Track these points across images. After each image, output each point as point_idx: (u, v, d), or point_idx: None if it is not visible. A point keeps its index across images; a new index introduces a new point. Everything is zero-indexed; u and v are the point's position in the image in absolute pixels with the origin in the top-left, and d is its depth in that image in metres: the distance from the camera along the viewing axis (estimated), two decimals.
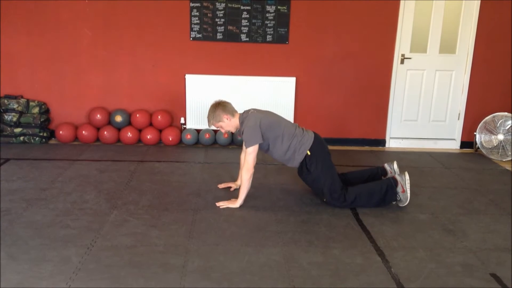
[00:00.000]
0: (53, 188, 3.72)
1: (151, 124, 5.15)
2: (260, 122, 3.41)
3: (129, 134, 5.05)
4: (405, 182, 3.49)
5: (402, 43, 5.16)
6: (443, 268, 2.71)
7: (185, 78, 5.11)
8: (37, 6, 4.85)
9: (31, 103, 4.97)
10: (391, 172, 3.72)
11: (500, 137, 5.06)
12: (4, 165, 4.23)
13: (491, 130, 5.12)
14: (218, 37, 5.02)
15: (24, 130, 4.92)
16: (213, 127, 4.20)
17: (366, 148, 5.39)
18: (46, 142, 5.05)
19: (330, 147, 5.27)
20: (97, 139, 5.16)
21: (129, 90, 5.16)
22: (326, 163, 3.51)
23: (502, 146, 5.05)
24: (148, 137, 5.07)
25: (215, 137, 5.15)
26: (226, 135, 5.05)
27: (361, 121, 5.37)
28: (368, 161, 4.78)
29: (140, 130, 5.12)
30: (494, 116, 5.12)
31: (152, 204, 3.47)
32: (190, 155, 4.81)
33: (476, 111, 5.36)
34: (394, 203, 3.60)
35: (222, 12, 4.96)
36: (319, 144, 3.54)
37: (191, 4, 4.93)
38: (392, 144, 5.47)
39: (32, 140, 4.97)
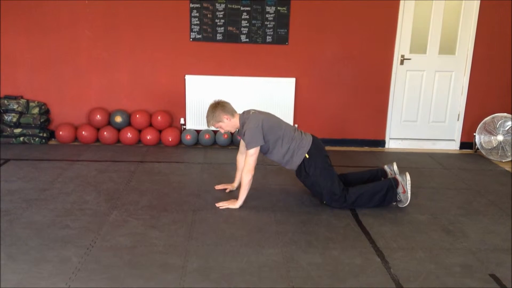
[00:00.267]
0: (53, 188, 3.72)
1: (151, 125, 5.16)
2: (262, 123, 3.40)
3: (129, 135, 5.06)
4: (406, 183, 3.49)
5: (402, 44, 5.17)
6: (443, 268, 2.71)
7: (185, 79, 5.11)
8: (37, 6, 4.86)
9: (31, 104, 4.97)
10: (391, 174, 3.73)
11: (500, 137, 5.07)
12: (4, 166, 4.23)
13: (491, 131, 5.12)
14: (218, 37, 5.03)
15: (24, 131, 4.93)
16: (213, 128, 4.20)
17: (366, 148, 5.39)
18: (46, 143, 5.05)
19: (330, 148, 5.32)
20: (97, 140, 5.16)
21: (129, 91, 5.16)
22: (325, 166, 3.50)
23: (502, 147, 5.05)
24: (148, 137, 5.07)
25: (215, 137, 5.15)
26: (226, 136, 5.05)
27: (360, 122, 5.38)
28: (367, 162, 4.78)
29: (140, 131, 5.13)
30: (493, 117, 5.13)
31: (151, 204, 3.47)
32: (190, 155, 4.81)
33: (475, 112, 5.36)
34: (394, 203, 3.60)
35: (222, 13, 4.96)
36: (317, 147, 3.54)
37: (191, 5, 4.93)
38: (391, 144, 5.47)
39: (32, 141, 4.97)
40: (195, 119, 5.17)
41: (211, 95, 4.97)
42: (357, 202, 3.49)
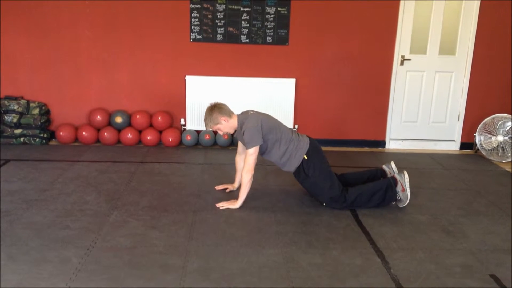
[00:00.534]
0: (53, 189, 3.72)
1: (151, 125, 5.16)
2: (261, 123, 3.40)
3: (129, 135, 5.06)
4: (404, 181, 3.49)
5: (402, 44, 5.17)
6: (443, 269, 2.71)
7: (185, 79, 5.11)
8: (37, 7, 4.86)
9: (31, 104, 4.97)
10: (390, 173, 3.73)
11: (500, 138, 5.06)
12: (4, 166, 4.24)
13: (491, 131, 5.12)
14: (218, 38, 5.03)
15: (25, 131, 4.93)
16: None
17: (366, 149, 5.39)
18: (46, 143, 5.06)
19: (330, 148, 5.32)
20: (97, 140, 5.16)
21: (129, 91, 5.17)
22: (323, 167, 3.51)
23: (502, 147, 5.05)
24: (148, 138, 5.07)
25: (215, 138, 5.15)
26: (226, 137, 5.05)
27: (361, 122, 5.38)
28: (368, 162, 4.78)
29: (140, 131, 5.13)
30: (493, 118, 5.13)
31: (152, 205, 3.47)
32: (190, 156, 4.82)
33: (475, 113, 5.36)
34: (394, 203, 3.61)
35: (222, 13, 4.97)
36: (315, 148, 3.54)
37: (191, 6, 4.94)
38: (392, 145, 5.47)
39: (32, 141, 4.97)
40: (195, 119, 5.17)
41: (211, 95, 4.97)
42: (356, 202, 3.49)
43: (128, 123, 5.13)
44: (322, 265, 2.70)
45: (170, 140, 5.09)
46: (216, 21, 4.99)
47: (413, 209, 3.58)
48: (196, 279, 2.50)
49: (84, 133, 5.03)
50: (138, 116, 5.07)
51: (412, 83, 5.31)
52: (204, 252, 2.78)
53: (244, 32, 5.03)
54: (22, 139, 4.95)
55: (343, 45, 5.14)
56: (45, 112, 5.07)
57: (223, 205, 3.46)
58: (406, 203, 3.54)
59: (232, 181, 3.88)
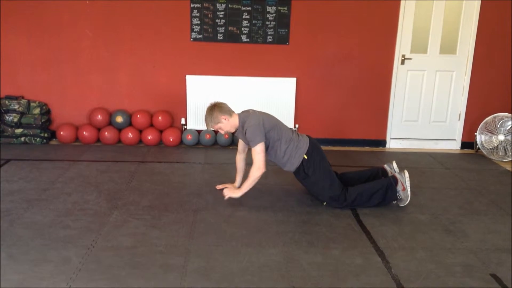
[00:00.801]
0: (53, 188, 3.72)
1: (151, 125, 5.16)
2: (263, 122, 3.41)
3: (130, 135, 5.06)
4: (405, 180, 3.49)
5: (403, 43, 5.17)
6: (443, 268, 2.71)
7: (185, 79, 5.11)
8: (37, 7, 4.86)
9: (32, 104, 4.98)
10: (391, 172, 3.72)
11: (501, 137, 5.06)
12: (5, 166, 4.24)
13: (492, 130, 5.12)
14: (218, 37, 5.03)
15: (25, 131, 4.93)
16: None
17: (367, 148, 5.39)
18: (47, 143, 5.06)
19: (331, 148, 5.32)
20: (98, 140, 5.16)
21: (130, 91, 5.17)
22: (323, 166, 3.51)
23: (503, 146, 5.05)
24: (149, 137, 5.07)
25: (216, 137, 5.15)
26: (226, 136, 5.05)
27: (361, 122, 5.37)
28: (368, 162, 4.78)
29: (140, 131, 5.13)
30: (494, 117, 5.12)
31: (152, 204, 3.47)
32: (191, 155, 4.82)
33: (476, 112, 5.36)
34: (394, 202, 3.60)
35: (223, 12, 4.96)
36: (315, 148, 3.54)
37: (192, 5, 4.93)
38: (392, 144, 5.47)
39: (33, 141, 4.98)
40: (196, 119, 5.17)
41: (212, 95, 4.97)
42: (357, 201, 3.48)
43: (129, 123, 5.13)
44: (323, 264, 2.70)
45: (171, 139, 5.09)
46: (217, 20, 4.98)
47: (414, 208, 3.58)
48: (196, 278, 2.50)
49: (84, 132, 5.03)
50: (138, 116, 5.07)
51: (412, 82, 5.31)
52: (205, 252, 2.78)
53: (245, 32, 5.03)
54: (22, 138, 4.95)
55: (343, 44, 5.14)
56: (46, 112, 5.08)
57: (225, 190, 3.53)
58: (407, 203, 3.54)
59: (232, 180, 3.88)
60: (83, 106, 5.16)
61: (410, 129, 5.46)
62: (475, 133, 5.28)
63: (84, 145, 5.06)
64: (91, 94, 5.15)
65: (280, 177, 4.14)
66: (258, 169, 3.37)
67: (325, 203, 3.54)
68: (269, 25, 5.02)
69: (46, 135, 5.04)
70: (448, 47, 5.23)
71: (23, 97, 5.07)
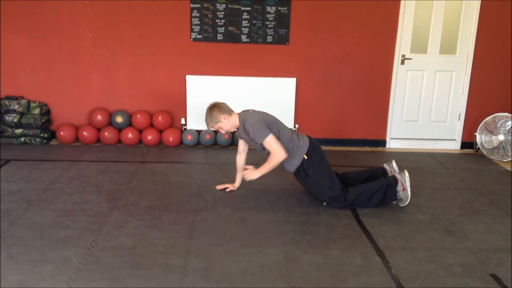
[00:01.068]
0: (53, 189, 3.72)
1: (151, 125, 5.16)
2: (264, 119, 3.43)
3: (130, 135, 5.06)
4: (405, 180, 3.49)
5: (403, 43, 5.17)
6: (443, 268, 2.71)
7: (185, 79, 5.11)
8: (37, 7, 4.86)
9: (32, 104, 4.98)
10: (391, 172, 3.72)
11: (501, 137, 5.06)
12: (5, 166, 4.24)
13: (492, 130, 5.12)
14: (218, 38, 5.03)
15: (25, 131, 4.93)
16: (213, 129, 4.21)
17: (367, 148, 5.39)
18: (47, 143, 5.06)
19: (331, 148, 5.32)
20: (98, 140, 5.16)
21: (130, 91, 5.17)
22: (323, 166, 3.51)
23: (503, 146, 5.05)
24: (149, 138, 5.07)
25: (216, 138, 5.15)
26: (226, 136, 5.05)
27: (361, 122, 5.37)
28: (368, 162, 4.78)
29: (140, 131, 5.13)
30: (494, 117, 5.12)
31: (152, 204, 3.47)
32: (191, 155, 4.82)
33: (476, 112, 5.36)
34: (394, 202, 3.60)
35: (223, 13, 4.96)
36: (315, 148, 3.54)
37: (192, 5, 4.93)
38: (392, 144, 5.47)
39: (33, 141, 4.98)
40: (195, 119, 5.17)
41: (212, 95, 4.98)
42: (357, 201, 3.48)
43: (129, 123, 5.13)
44: (323, 264, 2.70)
45: (171, 139, 5.09)
46: (217, 20, 4.98)
47: (414, 208, 3.58)
48: (196, 279, 2.50)
49: (84, 133, 5.03)
50: (138, 116, 5.07)
51: (412, 82, 5.31)
52: (205, 252, 2.78)
53: (245, 32, 5.03)
54: (22, 139, 4.95)
55: (343, 44, 5.14)
56: (46, 112, 5.08)
57: (246, 172, 3.49)
58: (407, 203, 3.54)
59: (232, 180, 3.88)
60: (83, 106, 5.16)
61: (410, 129, 5.46)
62: (475, 133, 5.28)
63: (84, 145, 5.06)
64: (91, 94, 5.15)
65: (280, 177, 4.14)
66: (278, 154, 3.36)
67: (325, 203, 3.54)
68: (269, 25, 5.02)
69: (46, 135, 5.04)
70: (448, 47, 5.23)
71: (23, 97, 5.07)
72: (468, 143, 5.46)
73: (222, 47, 5.07)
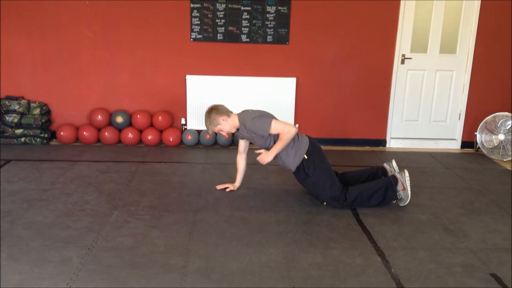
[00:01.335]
0: (54, 189, 3.73)
1: (151, 125, 5.16)
2: (262, 113, 3.44)
3: (130, 135, 5.06)
4: (405, 180, 3.49)
5: (403, 43, 5.17)
6: (443, 268, 2.71)
7: (185, 79, 5.11)
8: (38, 7, 4.86)
9: (32, 104, 4.98)
10: (391, 171, 3.72)
11: (501, 137, 5.06)
12: (5, 166, 4.24)
13: (492, 130, 5.12)
14: (218, 37, 5.03)
15: (25, 131, 4.94)
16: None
17: (367, 148, 5.39)
18: (47, 143, 5.06)
19: (331, 148, 5.32)
20: (98, 140, 5.16)
21: (130, 91, 5.17)
22: (323, 166, 3.51)
23: (503, 146, 5.04)
24: (149, 138, 5.07)
25: (216, 138, 5.15)
26: (227, 136, 5.05)
27: (361, 121, 5.37)
28: (368, 162, 4.78)
29: (141, 131, 5.13)
30: (494, 116, 5.12)
31: (152, 204, 3.48)
32: (191, 155, 4.82)
33: (476, 111, 5.36)
34: (394, 202, 3.60)
35: (223, 12, 4.96)
36: (315, 147, 3.54)
37: (192, 5, 4.93)
38: (392, 144, 5.47)
39: (33, 141, 4.98)
40: (196, 119, 5.17)
41: (212, 95, 4.98)
42: (357, 201, 3.48)
43: (129, 123, 5.13)
44: (323, 264, 2.70)
45: (171, 139, 5.09)
46: (217, 20, 4.98)
47: (414, 208, 3.58)
48: (196, 279, 2.50)
49: (84, 133, 5.04)
50: (138, 116, 5.07)
51: (413, 82, 5.31)
52: (205, 252, 2.78)
53: (245, 32, 5.03)
54: (23, 139, 4.95)
55: (343, 44, 5.13)
56: (46, 112, 5.08)
57: (260, 153, 3.45)
58: (407, 202, 3.54)
59: (233, 180, 3.88)
60: (83, 106, 5.16)
61: (410, 129, 5.46)
62: (475, 133, 5.28)
63: (84, 145, 5.06)
64: (91, 95, 5.15)
65: (280, 177, 4.14)
66: (289, 131, 3.37)
67: (325, 203, 3.54)
68: (269, 25, 5.02)
69: (46, 135, 5.04)
70: (448, 47, 5.23)
71: (23, 98, 5.07)
72: (468, 142, 5.46)
73: (222, 47, 5.07)
